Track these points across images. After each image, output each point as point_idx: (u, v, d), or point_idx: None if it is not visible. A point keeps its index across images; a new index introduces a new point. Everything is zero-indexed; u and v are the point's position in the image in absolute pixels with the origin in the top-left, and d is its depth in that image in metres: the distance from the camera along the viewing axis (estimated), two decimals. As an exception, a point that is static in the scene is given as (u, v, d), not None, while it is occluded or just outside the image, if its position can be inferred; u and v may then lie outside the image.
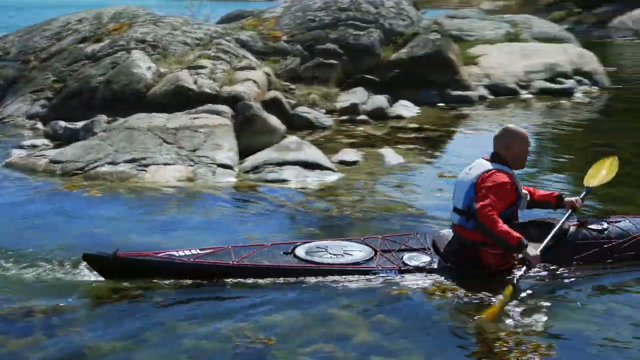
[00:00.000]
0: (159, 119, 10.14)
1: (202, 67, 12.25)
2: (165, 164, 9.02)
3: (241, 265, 5.67)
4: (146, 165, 8.96)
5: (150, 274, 5.61)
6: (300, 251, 5.90)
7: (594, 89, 16.52)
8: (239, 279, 5.62)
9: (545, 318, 5.05)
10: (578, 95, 15.89)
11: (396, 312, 5.11)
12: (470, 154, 10.49)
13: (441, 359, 4.60)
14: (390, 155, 10.09)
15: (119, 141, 9.48)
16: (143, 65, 12.11)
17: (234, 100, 10.96)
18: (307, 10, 15.97)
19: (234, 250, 5.84)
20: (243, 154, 9.80)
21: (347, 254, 5.90)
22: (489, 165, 5.67)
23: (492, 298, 5.25)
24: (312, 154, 9.57)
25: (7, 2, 54.54)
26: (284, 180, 8.90)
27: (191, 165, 9.06)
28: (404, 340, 4.75)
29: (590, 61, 17.38)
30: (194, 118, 10.25)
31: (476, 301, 5.28)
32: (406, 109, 13.56)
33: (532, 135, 12.22)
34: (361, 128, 12.29)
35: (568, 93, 15.90)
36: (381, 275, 5.67)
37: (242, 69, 12.63)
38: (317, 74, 14.14)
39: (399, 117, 13.08)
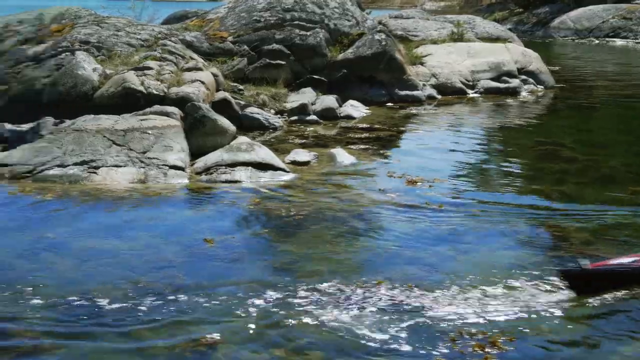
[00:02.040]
0: (107, 120, 9.95)
1: (149, 68, 12.06)
2: (115, 166, 8.88)
3: None
4: (96, 168, 8.80)
5: (613, 284, 5.81)
6: None
7: (539, 87, 16.72)
8: None
9: None
10: (523, 94, 16.09)
11: None
12: (422, 153, 10.64)
13: None
14: (342, 155, 10.06)
15: (68, 143, 9.28)
16: (88, 66, 11.87)
17: (182, 102, 10.80)
18: (252, 11, 15.86)
19: None
20: (194, 155, 9.70)
21: None
22: None
23: None
24: (264, 154, 9.50)
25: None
26: (236, 181, 8.84)
27: (142, 167, 8.93)
28: None
29: (534, 60, 17.58)
30: (143, 120, 10.07)
31: None
32: (355, 109, 13.55)
33: (483, 134, 12.36)
34: (311, 128, 12.25)
35: (514, 92, 16.07)
36: None
37: (189, 69, 12.48)
38: (265, 75, 14.04)
39: (349, 117, 13.06)
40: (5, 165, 8.99)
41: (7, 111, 11.46)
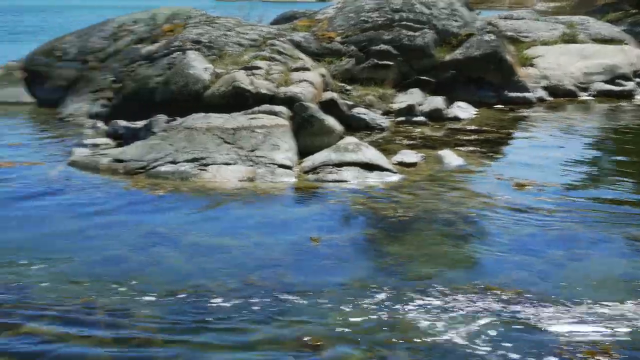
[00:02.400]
0: (217, 119, 10.14)
1: (258, 67, 12.21)
2: (225, 164, 9.03)
3: None
4: (206, 165, 8.98)
5: None
6: None
7: (656, 91, 16.19)
8: None
9: None
10: (638, 98, 15.59)
11: None
12: (531, 156, 10.42)
13: None
14: (450, 157, 9.96)
15: (179, 141, 9.52)
16: (199, 65, 12.10)
17: (290, 101, 10.89)
18: (360, 12, 15.87)
19: None
20: (301, 154, 9.77)
21: None
22: None
23: None
24: (371, 154, 9.48)
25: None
26: (343, 181, 8.85)
27: (251, 166, 9.05)
28: None
29: (650, 63, 17.02)
30: (252, 118, 10.22)
31: None
32: (463, 110, 13.39)
33: (595, 138, 12.03)
34: (419, 129, 12.16)
35: (628, 95, 15.60)
36: None
37: (297, 70, 12.58)
38: (372, 75, 14.04)
39: (457, 119, 12.91)
40: (121, 161, 9.29)
41: (121, 109, 11.86)
